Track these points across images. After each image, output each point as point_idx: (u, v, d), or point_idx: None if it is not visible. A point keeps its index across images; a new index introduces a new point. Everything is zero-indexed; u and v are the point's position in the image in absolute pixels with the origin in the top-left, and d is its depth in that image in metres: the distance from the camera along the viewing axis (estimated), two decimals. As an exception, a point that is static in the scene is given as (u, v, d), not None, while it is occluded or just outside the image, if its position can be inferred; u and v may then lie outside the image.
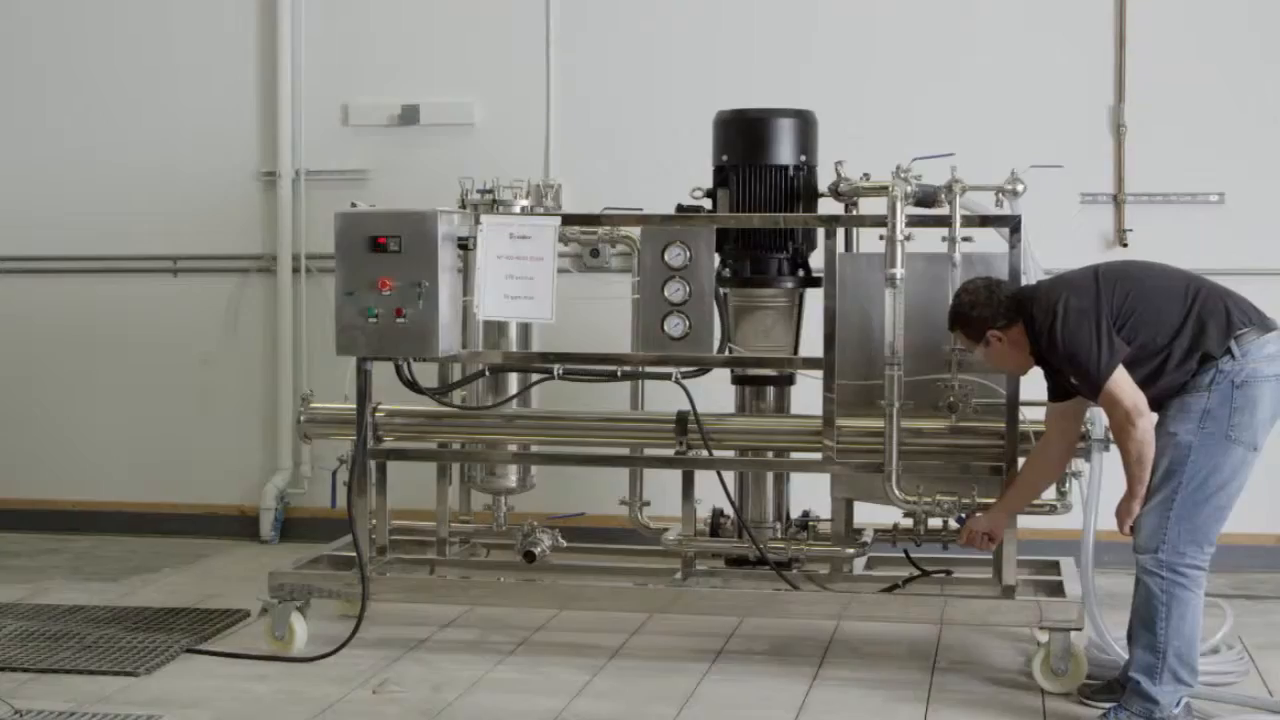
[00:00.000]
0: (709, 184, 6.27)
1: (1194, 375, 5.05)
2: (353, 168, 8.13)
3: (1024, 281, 5.75)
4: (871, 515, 6.18)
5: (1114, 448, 5.72)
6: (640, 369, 6.21)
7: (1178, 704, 5.11)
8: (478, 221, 6.02)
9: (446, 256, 5.92)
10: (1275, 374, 5.05)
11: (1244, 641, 5.99)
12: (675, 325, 5.95)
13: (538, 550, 6.25)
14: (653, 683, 5.69)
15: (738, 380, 6.36)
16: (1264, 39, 7.45)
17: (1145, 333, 5.05)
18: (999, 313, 5.29)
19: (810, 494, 6.39)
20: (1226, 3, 7.48)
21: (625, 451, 6.37)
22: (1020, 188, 5.75)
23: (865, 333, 5.86)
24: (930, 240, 5.75)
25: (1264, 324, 5.10)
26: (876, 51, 7.68)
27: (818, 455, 5.93)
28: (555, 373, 6.09)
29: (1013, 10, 7.61)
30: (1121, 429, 5.06)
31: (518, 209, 6.25)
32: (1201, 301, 5.10)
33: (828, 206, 6.20)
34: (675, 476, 6.14)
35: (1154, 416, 5.07)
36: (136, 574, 7.46)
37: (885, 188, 5.74)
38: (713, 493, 6.23)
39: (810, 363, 5.95)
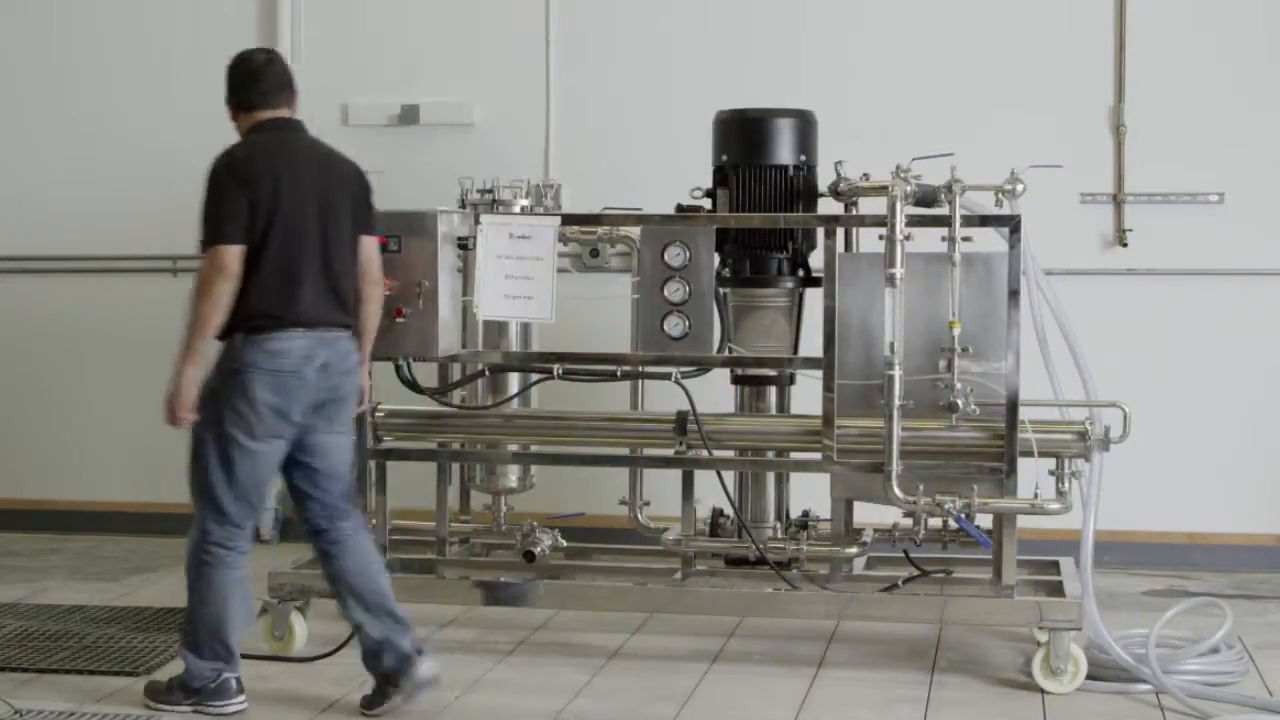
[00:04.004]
0: (709, 184, 6.28)
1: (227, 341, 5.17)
2: (352, 168, 8.12)
3: (1024, 283, 5.76)
4: (871, 515, 6.18)
5: (1114, 448, 5.77)
6: (640, 369, 6.20)
7: (216, 679, 5.28)
8: (478, 221, 6.02)
9: (446, 256, 5.93)
10: (272, 369, 5.13)
11: (1244, 641, 5.98)
12: (675, 325, 5.95)
13: (538, 550, 6.25)
14: (653, 683, 5.69)
15: (737, 380, 6.36)
16: (1266, 38, 7.46)
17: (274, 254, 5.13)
18: (232, 97, 5.40)
19: (810, 494, 6.39)
20: (1227, 2, 7.48)
21: (625, 451, 6.37)
22: (1020, 188, 5.75)
23: (865, 333, 5.85)
24: (930, 240, 5.75)
25: (282, 322, 5.14)
26: (875, 51, 7.69)
27: (818, 455, 5.92)
28: (555, 373, 6.09)
29: (1013, 10, 7.61)
30: (206, 282, 5.08)
31: (518, 209, 6.25)
32: (305, 274, 5.16)
33: (828, 206, 6.20)
34: (675, 476, 6.14)
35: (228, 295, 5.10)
36: (136, 574, 7.46)
37: (885, 188, 5.73)
38: (712, 493, 6.23)
39: (810, 362, 5.95)
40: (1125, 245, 7.49)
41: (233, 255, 5.09)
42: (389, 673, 5.36)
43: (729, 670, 5.87)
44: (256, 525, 5.34)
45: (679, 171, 6.45)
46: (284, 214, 5.17)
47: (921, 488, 5.75)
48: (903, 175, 5.76)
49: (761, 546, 6.03)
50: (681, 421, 6.02)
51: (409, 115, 8.04)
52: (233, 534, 5.26)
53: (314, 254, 5.22)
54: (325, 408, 5.27)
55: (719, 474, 6.23)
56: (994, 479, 5.74)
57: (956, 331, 5.70)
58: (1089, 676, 5.56)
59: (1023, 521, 5.88)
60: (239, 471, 5.19)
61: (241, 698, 5.35)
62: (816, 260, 6.07)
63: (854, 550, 6.03)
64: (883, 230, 5.69)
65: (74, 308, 8.42)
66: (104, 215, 8.32)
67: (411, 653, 5.36)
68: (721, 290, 6.19)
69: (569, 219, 6.27)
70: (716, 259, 6.14)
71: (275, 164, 5.21)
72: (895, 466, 5.69)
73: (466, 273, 6.13)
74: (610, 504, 6.51)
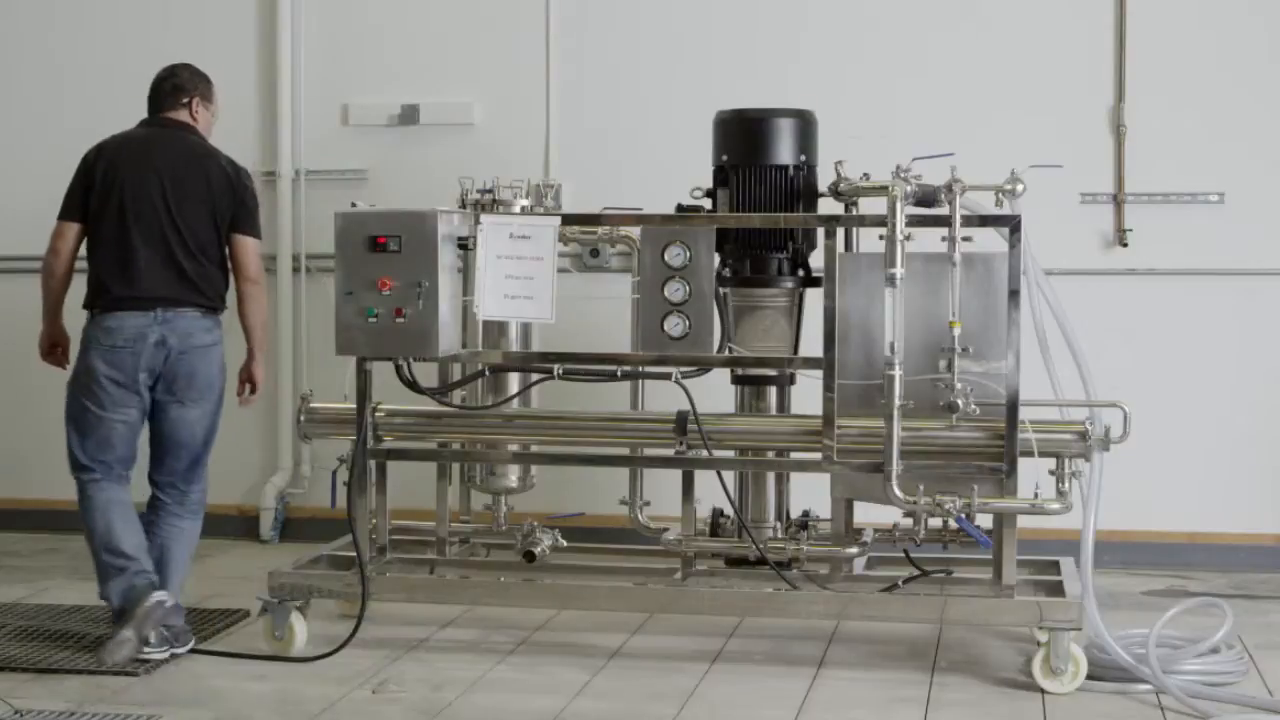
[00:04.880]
0: (709, 184, 6.28)
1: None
2: (353, 168, 8.14)
3: (1024, 283, 5.76)
4: (871, 515, 6.18)
5: (1114, 448, 5.77)
6: (640, 369, 6.20)
7: (129, 590, 5.80)
8: (478, 221, 6.02)
9: (446, 256, 5.92)
10: (107, 344, 5.83)
11: (1244, 641, 5.99)
12: (675, 325, 5.95)
13: (538, 550, 6.25)
14: (653, 682, 5.69)
15: (738, 380, 6.36)
16: (1266, 38, 7.46)
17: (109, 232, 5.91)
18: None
19: (810, 494, 6.39)
20: (1227, 2, 7.48)
21: (625, 451, 6.37)
22: (1020, 188, 5.75)
23: (865, 333, 5.86)
24: (930, 240, 5.75)
25: (116, 299, 5.86)
26: (876, 51, 7.69)
27: (818, 455, 5.92)
28: (555, 373, 6.09)
29: (1013, 10, 7.61)
30: (47, 251, 6.08)
31: (518, 209, 6.25)
32: (141, 257, 5.85)
33: (828, 206, 6.20)
34: (675, 476, 6.14)
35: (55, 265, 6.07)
36: (136, 574, 7.45)
37: (885, 188, 5.73)
38: (713, 493, 6.23)
39: (810, 362, 5.95)
40: (1125, 245, 7.49)
41: (60, 229, 6.02)
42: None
43: (729, 670, 5.87)
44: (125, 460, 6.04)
45: (679, 171, 6.45)
46: (119, 200, 5.88)
47: (921, 488, 5.75)
48: (903, 175, 5.76)
49: (761, 546, 6.03)
50: (681, 421, 6.02)
51: (409, 115, 8.05)
52: (94, 471, 5.93)
53: (154, 238, 5.88)
54: (167, 381, 5.92)
55: (719, 474, 6.23)
56: (994, 479, 5.75)
57: (956, 331, 5.70)
58: (1089, 676, 5.56)
59: (1023, 521, 5.88)
60: (91, 435, 5.92)
61: (160, 594, 5.78)
62: (816, 260, 6.07)
63: (854, 550, 6.03)
64: (883, 230, 5.69)
65: (75, 307, 8.39)
66: (104, 215, 8.31)
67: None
68: (722, 290, 6.19)
69: (569, 219, 6.27)
70: (716, 259, 6.14)
71: (118, 157, 5.95)
72: (895, 466, 5.69)
73: (466, 273, 6.14)
74: (610, 504, 6.51)
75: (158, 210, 5.89)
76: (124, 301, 5.86)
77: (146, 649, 5.78)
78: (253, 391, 6.27)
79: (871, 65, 7.67)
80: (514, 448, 6.41)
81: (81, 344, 5.97)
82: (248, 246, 6.05)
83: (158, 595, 5.77)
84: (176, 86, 6.12)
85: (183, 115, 6.12)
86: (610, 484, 6.65)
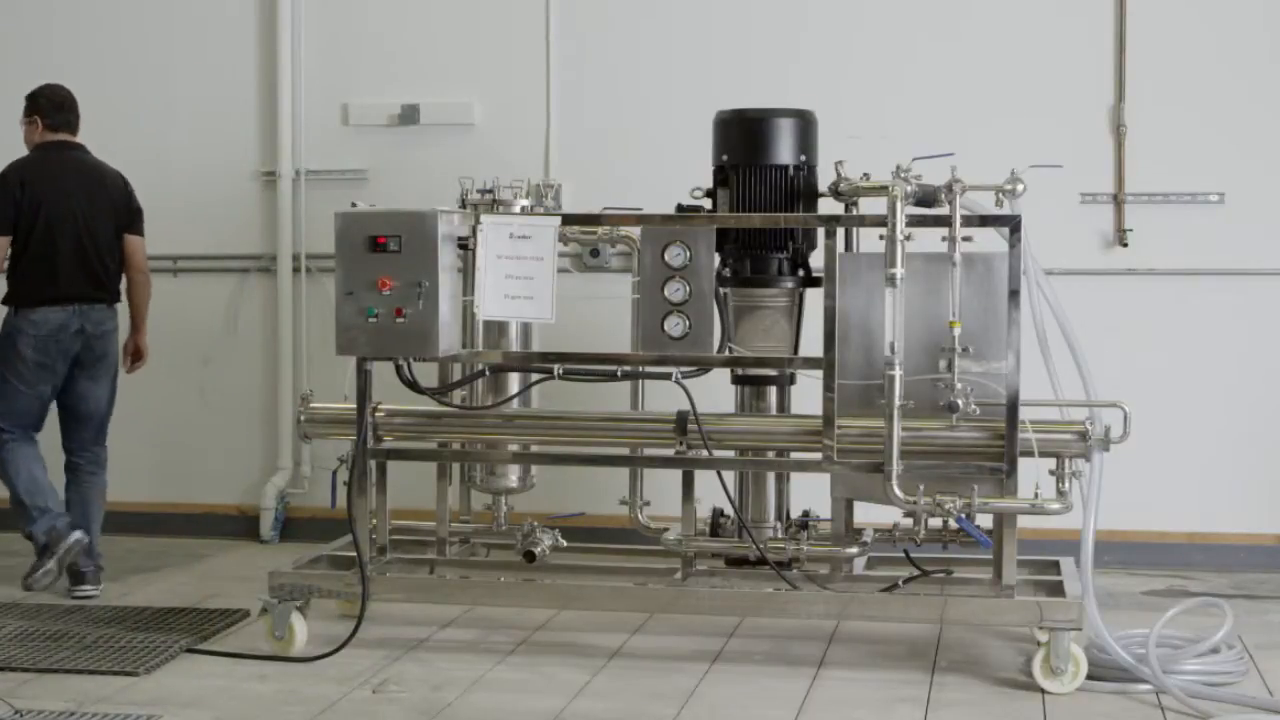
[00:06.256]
0: (709, 184, 6.28)
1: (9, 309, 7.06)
2: (353, 168, 8.14)
3: (1024, 283, 5.76)
4: (871, 515, 6.18)
5: (1114, 448, 5.77)
6: (640, 369, 6.20)
7: (51, 531, 6.82)
8: (478, 221, 6.02)
9: (446, 256, 5.92)
10: (34, 334, 6.87)
11: (1244, 641, 5.99)
12: (675, 325, 5.95)
13: (538, 550, 6.25)
14: (653, 683, 5.69)
15: (738, 380, 6.36)
16: (1266, 38, 7.46)
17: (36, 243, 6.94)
18: (40, 117, 7.16)
19: (810, 494, 6.39)
20: (1227, 2, 7.49)
21: (625, 451, 6.37)
22: (1020, 188, 5.75)
23: (865, 333, 5.86)
24: (930, 240, 5.75)
25: (42, 298, 6.89)
26: (875, 51, 7.69)
27: (818, 455, 5.92)
28: (555, 373, 6.09)
29: (1012, 10, 7.61)
30: None
31: (518, 209, 6.25)
32: (62, 261, 6.93)
33: (828, 206, 6.20)
34: (675, 476, 6.13)
35: None
36: (136, 574, 7.46)
37: (885, 188, 5.73)
38: (713, 493, 6.23)
39: (810, 362, 5.95)
40: (1125, 245, 7.49)
41: None
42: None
43: (729, 670, 5.87)
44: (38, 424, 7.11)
45: (679, 171, 6.45)
46: (45, 215, 6.90)
47: (921, 488, 5.75)
48: (903, 175, 5.76)
49: (762, 546, 6.03)
50: (682, 421, 6.02)
51: (409, 115, 8.05)
52: (11, 433, 6.97)
53: (71, 246, 6.94)
54: (81, 360, 7.00)
55: (719, 474, 6.23)
56: (994, 479, 5.74)
57: (956, 331, 5.70)
58: (1089, 676, 5.56)
59: (1023, 521, 5.88)
60: (15, 405, 6.96)
61: (78, 533, 6.84)
62: (817, 260, 6.07)
63: (854, 550, 6.03)
64: (883, 230, 5.69)
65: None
66: (104, 215, 8.30)
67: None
68: (722, 290, 6.19)
69: (569, 219, 6.26)
70: (717, 259, 6.14)
71: (37, 179, 6.96)
72: (895, 466, 5.69)
73: (466, 273, 6.14)
74: (610, 504, 6.51)
75: (76, 222, 6.96)
76: (49, 300, 6.92)
77: (85, 587, 6.92)
78: (136, 360, 7.30)
79: (872, 65, 7.68)
80: (514, 448, 6.40)
81: (6, 332, 6.97)
82: (138, 245, 7.20)
83: (76, 534, 6.82)
84: (77, 115, 7.18)
85: (77, 136, 7.18)
86: (610, 484, 6.65)
